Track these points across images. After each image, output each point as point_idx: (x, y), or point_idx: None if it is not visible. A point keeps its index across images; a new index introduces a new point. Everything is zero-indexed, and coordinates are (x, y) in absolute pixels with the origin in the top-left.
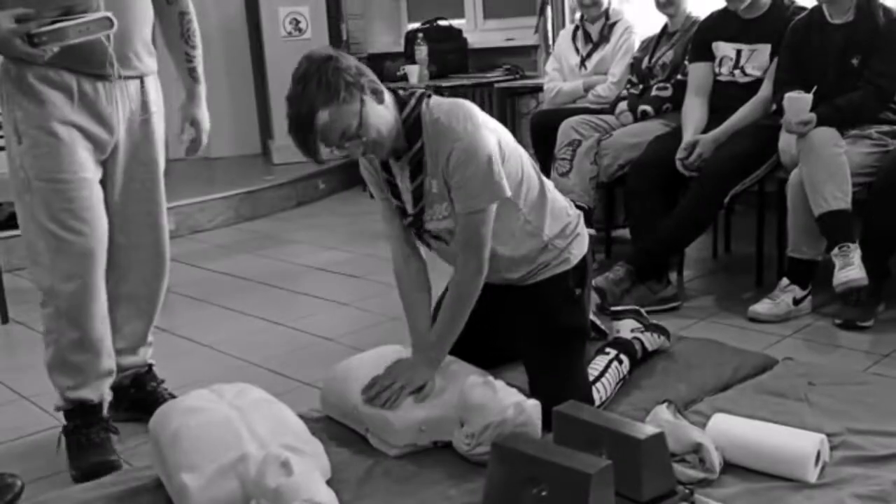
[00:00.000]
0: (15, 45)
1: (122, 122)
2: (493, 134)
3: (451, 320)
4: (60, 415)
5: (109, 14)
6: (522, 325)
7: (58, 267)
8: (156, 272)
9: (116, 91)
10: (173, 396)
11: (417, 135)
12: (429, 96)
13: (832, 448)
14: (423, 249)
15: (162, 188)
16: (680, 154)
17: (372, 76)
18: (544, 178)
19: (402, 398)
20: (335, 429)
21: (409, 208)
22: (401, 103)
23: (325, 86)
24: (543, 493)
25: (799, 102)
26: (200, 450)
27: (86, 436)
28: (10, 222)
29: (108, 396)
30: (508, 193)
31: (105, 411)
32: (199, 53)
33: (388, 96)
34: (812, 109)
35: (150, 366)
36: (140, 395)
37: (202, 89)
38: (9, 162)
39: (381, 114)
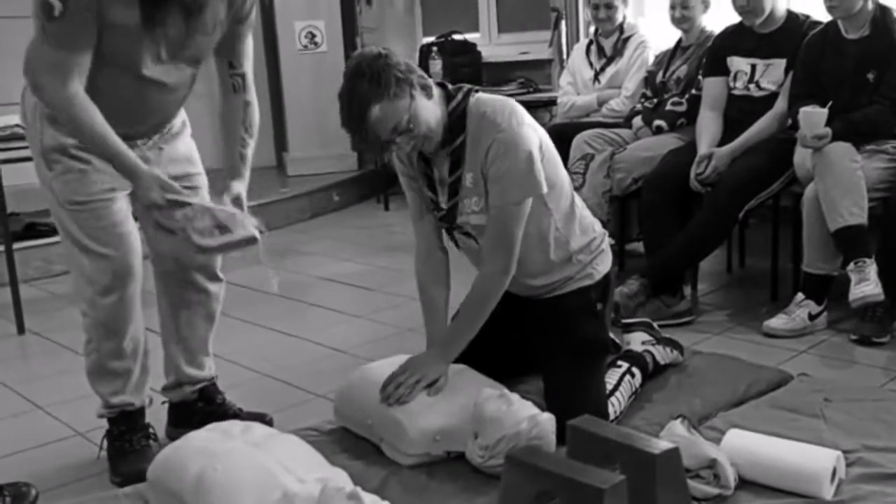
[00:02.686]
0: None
1: (151, 149)
2: (535, 133)
3: (471, 317)
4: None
5: (257, 233)
6: (542, 336)
7: (97, 280)
8: (210, 273)
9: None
10: (241, 410)
11: (461, 128)
12: (476, 91)
13: (848, 465)
14: (450, 253)
15: (205, 192)
16: (695, 168)
17: (420, 72)
18: (575, 193)
19: (416, 392)
20: (349, 440)
21: (444, 202)
22: (448, 97)
23: (377, 81)
24: None
25: (814, 117)
26: (238, 494)
27: (128, 442)
28: (27, 233)
29: (147, 401)
30: (545, 189)
31: (146, 418)
32: (253, 142)
33: (436, 91)
34: (827, 124)
35: (214, 378)
36: (210, 409)
37: (246, 172)
38: (39, 181)
39: (431, 108)
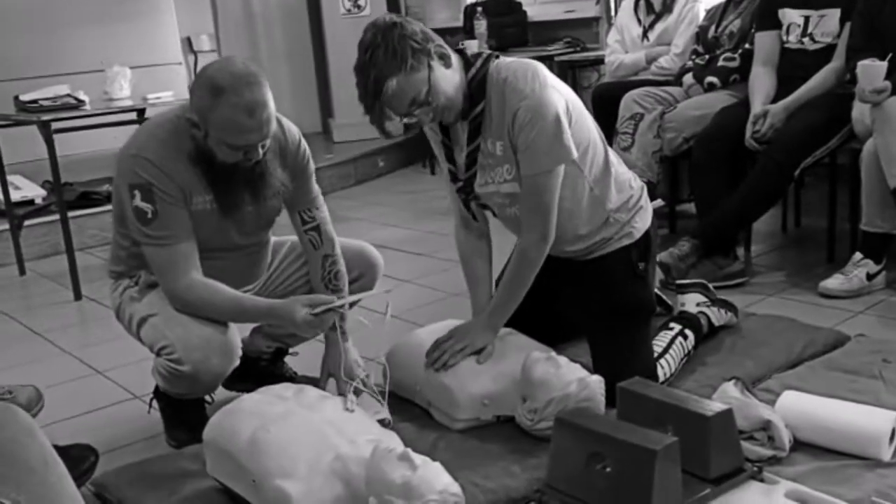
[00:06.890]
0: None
1: None
2: (560, 95)
3: (512, 287)
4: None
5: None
6: (585, 299)
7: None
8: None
9: None
10: (296, 374)
11: (481, 96)
12: (496, 57)
13: None
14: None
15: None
16: (750, 126)
17: (439, 40)
18: (609, 149)
19: (460, 357)
20: (398, 404)
21: (461, 173)
22: (467, 64)
23: (392, 54)
24: (608, 470)
25: (873, 70)
26: (292, 454)
27: (181, 410)
28: (81, 202)
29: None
30: (575, 155)
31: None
32: (345, 296)
33: (455, 59)
34: (887, 77)
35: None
36: (269, 369)
37: (341, 341)
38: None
39: (449, 78)
